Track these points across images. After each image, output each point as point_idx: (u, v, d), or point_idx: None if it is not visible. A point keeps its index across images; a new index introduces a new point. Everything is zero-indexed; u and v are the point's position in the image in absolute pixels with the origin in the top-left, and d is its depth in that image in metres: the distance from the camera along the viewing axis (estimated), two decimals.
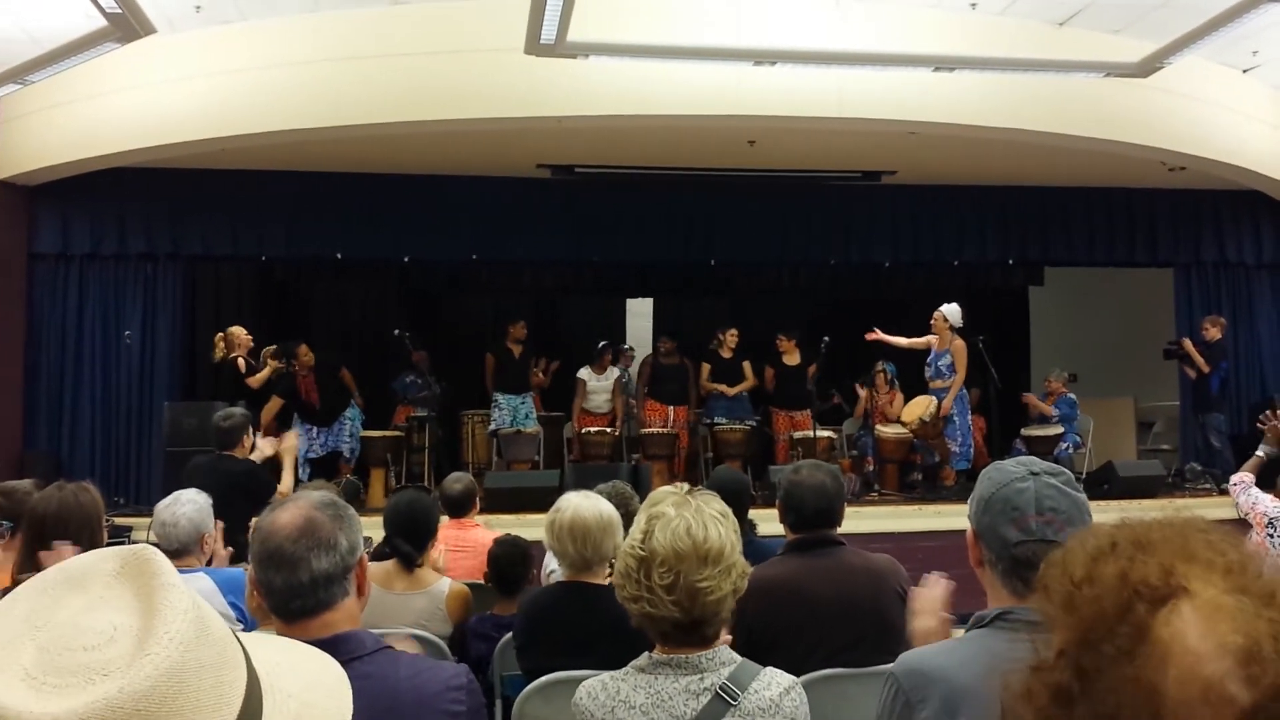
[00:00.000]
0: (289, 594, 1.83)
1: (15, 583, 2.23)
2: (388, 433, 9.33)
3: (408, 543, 3.78)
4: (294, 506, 1.88)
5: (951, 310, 8.85)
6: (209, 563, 3.79)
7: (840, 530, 3.30)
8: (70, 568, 0.92)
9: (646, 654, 1.98)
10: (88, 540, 2.98)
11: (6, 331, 9.00)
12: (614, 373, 10.14)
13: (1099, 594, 0.85)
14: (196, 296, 10.23)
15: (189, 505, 3.77)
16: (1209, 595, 0.82)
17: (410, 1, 7.59)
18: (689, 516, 1.94)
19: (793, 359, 9.91)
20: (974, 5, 7.95)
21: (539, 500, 8.02)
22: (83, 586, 0.91)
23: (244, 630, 3.65)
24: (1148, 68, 7.28)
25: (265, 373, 8.55)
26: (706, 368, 9.97)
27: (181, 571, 3.19)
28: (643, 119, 7.91)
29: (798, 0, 7.78)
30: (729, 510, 2.02)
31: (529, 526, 7.29)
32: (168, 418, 8.41)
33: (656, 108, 7.77)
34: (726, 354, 9.94)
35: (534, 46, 6.47)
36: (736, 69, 7.54)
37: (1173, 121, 8.70)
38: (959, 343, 8.81)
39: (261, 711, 0.96)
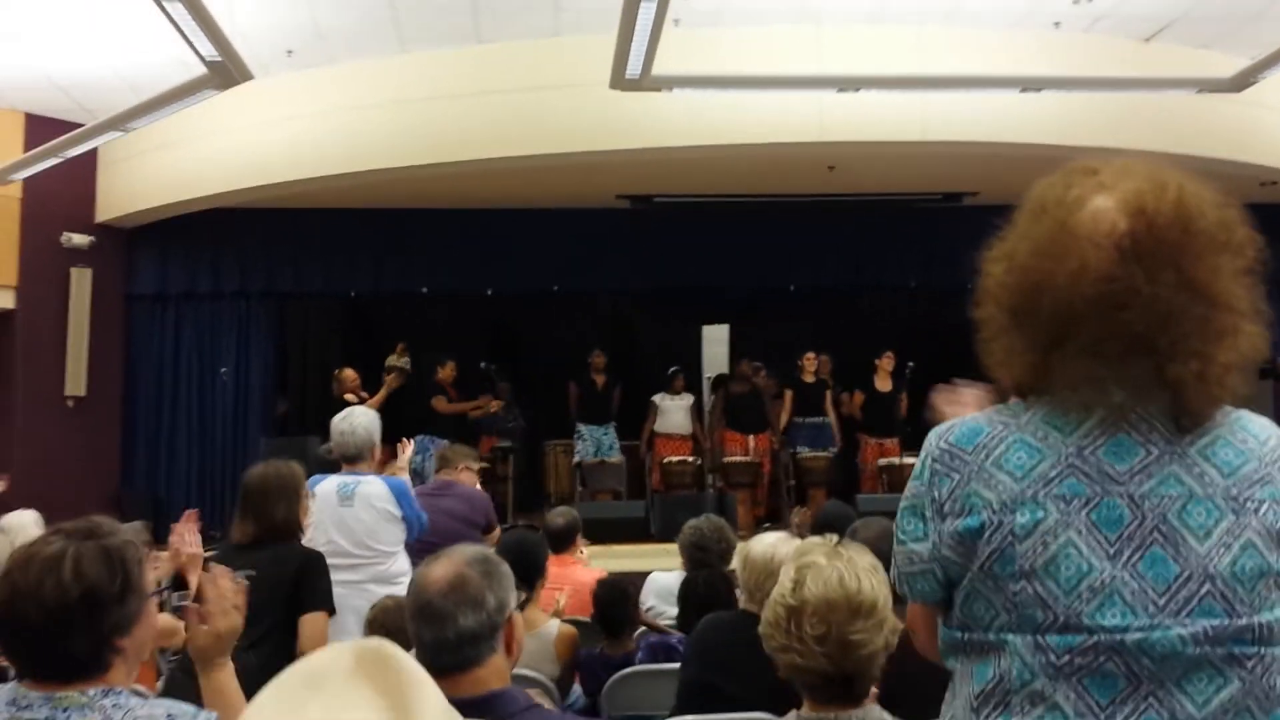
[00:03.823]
0: (436, 649, 1.85)
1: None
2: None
3: (521, 581, 3.81)
4: (447, 560, 1.90)
5: None
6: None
7: None
8: (307, 667, 0.93)
9: (795, 712, 1.95)
10: (284, 508, 3.35)
11: (105, 371, 9.28)
12: (689, 397, 10.10)
13: (1048, 187, 1.32)
14: (287, 333, 10.45)
15: (364, 416, 4.39)
16: (1115, 178, 1.29)
17: (495, 40, 7.71)
18: (842, 567, 1.91)
19: (885, 384, 9.78)
20: (1058, 24, 7.85)
21: (626, 531, 8.07)
22: (320, 686, 0.91)
23: (411, 533, 4.18)
24: (1242, 82, 7.11)
25: (381, 395, 8.76)
26: (790, 394, 9.89)
27: (357, 474, 3.91)
28: (724, 149, 7.93)
29: (879, 25, 7.75)
30: (880, 565, 1.99)
31: (616, 558, 7.31)
32: (263, 453, 8.56)
33: (739, 137, 7.76)
34: (809, 379, 9.86)
35: (619, 81, 6.52)
36: (819, 95, 7.52)
37: (1267, 136, 8.48)
38: None
39: None
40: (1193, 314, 1.22)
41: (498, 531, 4.98)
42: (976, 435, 1.31)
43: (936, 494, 1.32)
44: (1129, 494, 1.23)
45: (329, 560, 3.53)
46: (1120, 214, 1.25)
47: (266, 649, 3.16)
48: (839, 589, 1.88)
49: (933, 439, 1.37)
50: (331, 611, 3.39)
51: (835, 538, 2.01)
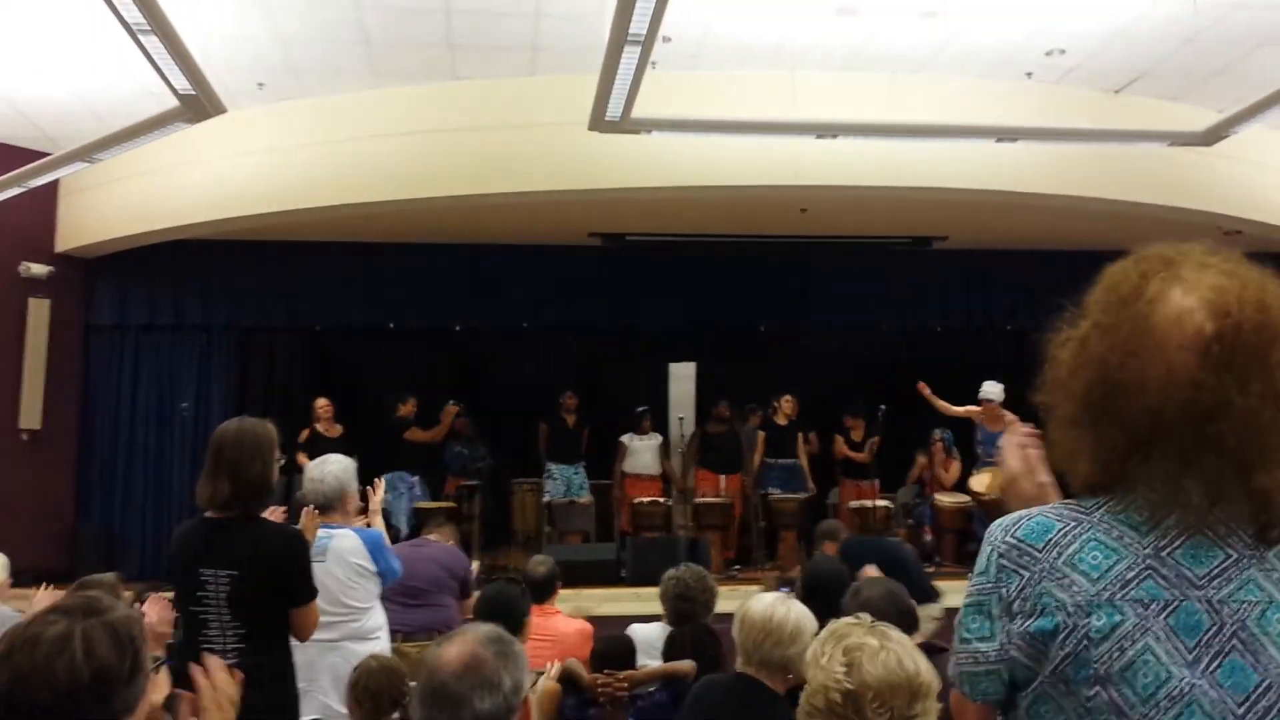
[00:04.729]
0: None
1: None
2: (442, 504, 9.25)
3: None
4: (460, 640, 1.82)
5: (996, 390, 8.73)
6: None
7: None
8: None
9: None
10: (260, 466, 3.28)
11: (62, 403, 9.03)
12: (656, 437, 10.03)
13: (1123, 276, 1.26)
14: (249, 367, 10.26)
15: (336, 465, 4.16)
16: (1193, 272, 1.22)
17: (471, 78, 7.65)
18: (896, 648, 1.85)
19: (861, 434, 9.84)
20: (1029, 75, 7.93)
21: (597, 574, 7.96)
22: None
23: (385, 584, 3.90)
24: (1214, 136, 7.20)
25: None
26: (762, 435, 9.84)
27: (329, 527, 3.58)
28: (697, 190, 7.91)
29: (853, 71, 7.79)
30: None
31: (587, 601, 7.21)
32: None
33: (714, 179, 7.77)
34: (782, 421, 9.83)
35: (599, 123, 6.48)
36: (794, 139, 7.53)
37: (1232, 187, 8.62)
38: (1013, 420, 8.70)
39: None
40: (1278, 424, 1.17)
41: (474, 599, 4.82)
42: (1047, 532, 1.26)
43: (1004, 592, 1.26)
44: (1208, 599, 1.18)
45: None
46: (1205, 316, 1.19)
47: (273, 659, 3.16)
48: (900, 671, 1.82)
49: (997, 533, 1.31)
50: (316, 592, 3.33)
51: (869, 617, 1.95)
